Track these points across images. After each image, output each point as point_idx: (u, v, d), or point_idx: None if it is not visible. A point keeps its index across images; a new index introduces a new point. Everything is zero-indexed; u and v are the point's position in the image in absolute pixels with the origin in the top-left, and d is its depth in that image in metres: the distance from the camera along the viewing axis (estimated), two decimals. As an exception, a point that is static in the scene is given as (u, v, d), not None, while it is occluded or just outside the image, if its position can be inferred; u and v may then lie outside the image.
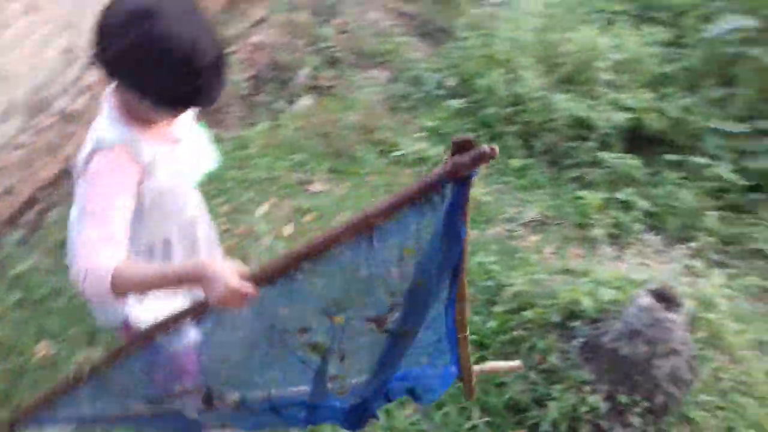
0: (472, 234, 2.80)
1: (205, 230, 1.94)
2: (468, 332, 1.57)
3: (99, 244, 1.36)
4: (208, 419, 1.63)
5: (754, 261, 3.21)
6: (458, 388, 2.11)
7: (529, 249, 3.14)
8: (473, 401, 2.33)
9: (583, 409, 2.26)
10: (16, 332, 2.73)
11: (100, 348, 2.64)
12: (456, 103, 4.16)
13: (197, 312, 1.37)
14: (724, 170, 3.52)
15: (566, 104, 3.79)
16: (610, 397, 2.29)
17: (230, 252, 2.72)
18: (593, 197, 3.43)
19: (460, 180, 1.18)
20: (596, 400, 2.28)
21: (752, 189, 3.50)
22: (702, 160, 3.57)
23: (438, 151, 3.79)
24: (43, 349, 2.66)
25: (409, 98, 4.32)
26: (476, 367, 1.74)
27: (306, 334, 1.44)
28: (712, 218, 3.33)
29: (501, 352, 2.48)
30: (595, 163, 3.67)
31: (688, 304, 2.34)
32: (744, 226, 3.34)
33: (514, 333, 2.53)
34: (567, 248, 3.18)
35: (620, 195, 3.49)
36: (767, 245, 3.24)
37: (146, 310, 1.64)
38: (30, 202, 3.43)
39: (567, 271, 2.83)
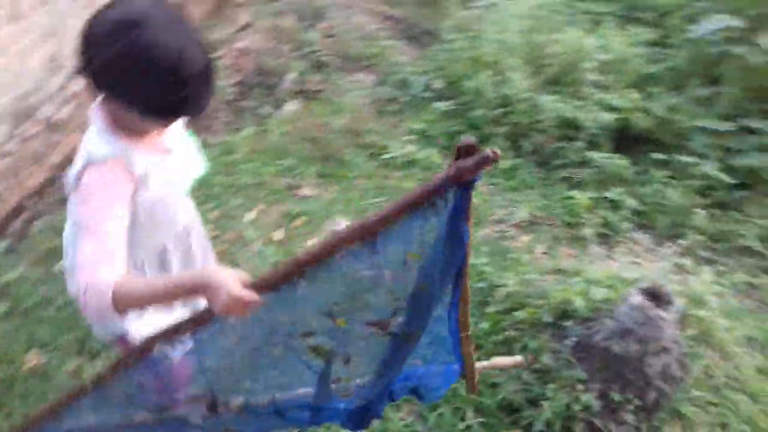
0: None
1: (200, 238, 1.93)
2: (470, 331, 1.58)
3: (98, 260, 1.34)
4: (212, 425, 1.62)
5: (741, 258, 3.24)
6: (452, 389, 2.11)
7: (521, 249, 3.14)
8: (467, 402, 2.34)
9: (577, 407, 2.26)
10: (6, 342, 2.71)
11: (90, 357, 2.62)
12: (443, 105, 4.16)
13: (201, 321, 1.36)
14: (711, 168, 3.55)
15: (554, 105, 3.80)
16: (603, 396, 2.30)
17: (220, 258, 2.71)
18: (582, 197, 3.45)
19: (463, 184, 1.18)
20: (589, 398, 2.28)
21: (738, 186, 3.53)
22: (689, 159, 3.60)
23: (427, 154, 3.79)
24: (33, 358, 2.64)
25: (396, 101, 4.33)
26: (479, 364, 1.74)
27: (309, 338, 1.43)
28: (700, 216, 3.35)
29: (494, 352, 2.47)
30: (584, 163, 3.69)
31: (679, 302, 2.35)
32: (731, 223, 3.37)
33: (507, 333, 2.52)
34: (558, 248, 3.19)
35: (609, 194, 3.51)
36: (754, 242, 3.26)
37: (146, 324, 1.63)
38: (16, 211, 3.40)
39: (558, 271, 2.83)
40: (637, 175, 3.66)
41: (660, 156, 3.67)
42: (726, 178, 3.49)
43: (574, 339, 2.44)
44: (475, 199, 3.58)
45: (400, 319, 1.41)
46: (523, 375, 2.37)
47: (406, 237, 1.25)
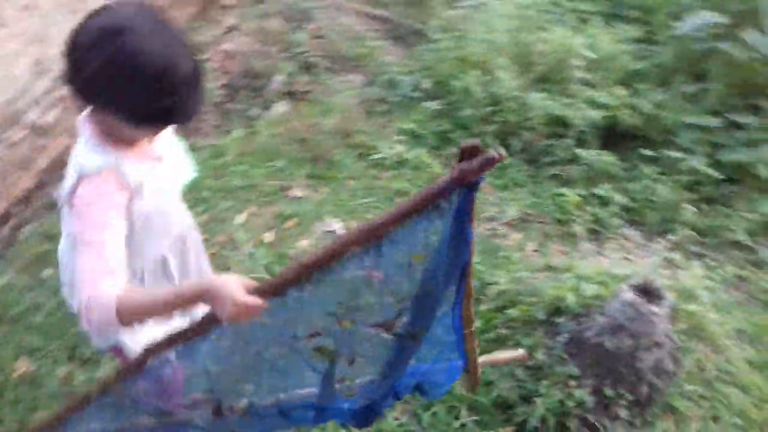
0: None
1: (196, 243, 1.92)
2: (474, 327, 1.58)
3: (98, 274, 1.33)
4: (216, 428, 1.61)
5: (730, 251, 3.26)
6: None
7: (512, 247, 3.15)
8: (461, 400, 2.34)
9: (570, 404, 2.27)
10: (-5, 349, 2.69)
11: (81, 363, 2.61)
12: (432, 105, 4.16)
13: (207, 327, 1.35)
14: (699, 164, 3.57)
15: (542, 103, 3.81)
16: (596, 391, 2.30)
17: (211, 262, 2.69)
18: (572, 194, 3.46)
19: (467, 186, 1.18)
20: (583, 394, 2.29)
21: (726, 181, 3.55)
22: (677, 155, 3.62)
23: (416, 154, 3.79)
24: (23, 365, 2.62)
25: (384, 101, 4.32)
26: (481, 359, 1.75)
27: (314, 339, 1.43)
28: (688, 211, 3.37)
29: (486, 350, 2.45)
30: (573, 161, 3.69)
31: (669, 297, 2.36)
32: (720, 217, 3.39)
33: (499, 331, 2.53)
34: (549, 245, 3.20)
35: (598, 191, 3.52)
36: (743, 236, 3.28)
37: (142, 332, 1.62)
38: (4, 218, 3.37)
39: (549, 268, 2.84)
40: (625, 171, 3.67)
41: (648, 152, 3.69)
42: (714, 173, 3.52)
43: (567, 335, 2.44)
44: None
45: (404, 319, 1.42)
46: (517, 372, 2.38)
47: (411, 239, 1.25)
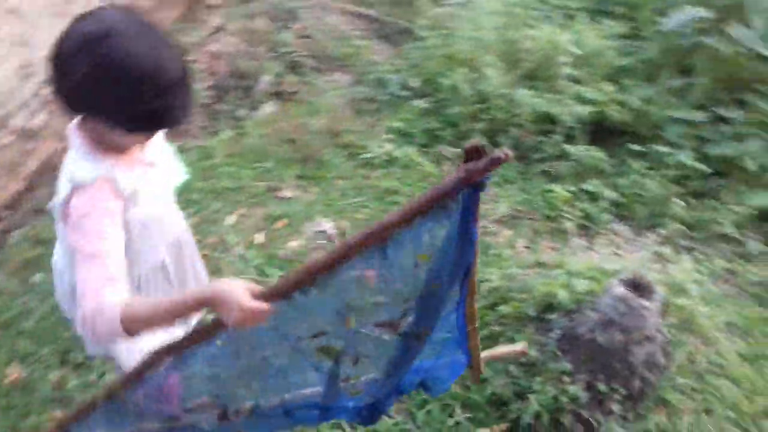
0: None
1: (192, 248, 1.92)
2: (477, 323, 1.59)
3: (101, 284, 1.32)
4: (222, 431, 1.61)
5: (719, 245, 3.28)
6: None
7: (503, 244, 3.16)
8: (455, 398, 2.35)
9: (564, 399, 2.28)
10: (-15, 356, 2.67)
11: (73, 368, 2.59)
12: (420, 103, 4.17)
13: (212, 333, 1.35)
14: (686, 158, 3.59)
15: (530, 100, 3.82)
16: (589, 387, 2.31)
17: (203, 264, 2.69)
18: (561, 190, 3.48)
19: (473, 185, 1.19)
20: (576, 390, 2.29)
21: (714, 175, 3.58)
22: (664, 149, 3.64)
23: (405, 152, 3.79)
24: (14, 371, 2.60)
25: (373, 100, 4.32)
26: (483, 354, 1.76)
27: (319, 339, 1.43)
28: (677, 205, 3.39)
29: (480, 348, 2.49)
30: (562, 157, 3.71)
31: (660, 291, 2.38)
32: (708, 211, 3.41)
33: (492, 328, 2.54)
34: (539, 242, 3.22)
35: (587, 186, 3.54)
36: (731, 229, 3.30)
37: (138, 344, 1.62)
38: (-8, 223, 3.35)
39: (540, 265, 2.85)
40: (614, 166, 3.69)
41: (636, 147, 3.71)
42: (701, 167, 3.54)
43: (559, 331, 2.45)
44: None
45: (409, 319, 1.42)
46: (511, 369, 2.39)
47: (417, 239, 1.25)
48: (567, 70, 3.97)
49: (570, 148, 3.69)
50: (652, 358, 2.34)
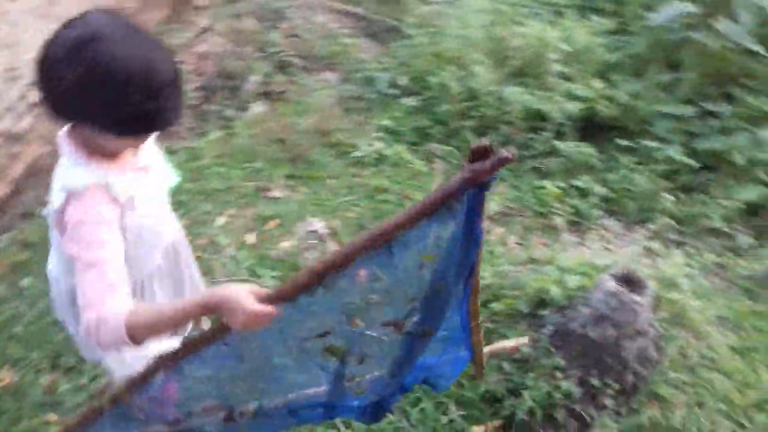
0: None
1: (186, 249, 1.90)
2: (480, 319, 1.61)
3: (103, 293, 1.31)
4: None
5: (709, 239, 3.30)
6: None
7: (494, 241, 3.16)
8: (449, 396, 2.35)
9: (557, 395, 2.28)
10: (-25, 361, 2.64)
11: (64, 372, 2.57)
12: (409, 101, 4.16)
13: (217, 335, 1.34)
14: (675, 153, 3.61)
15: (520, 97, 3.83)
16: (582, 382, 2.32)
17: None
18: (552, 186, 3.48)
19: (478, 185, 1.19)
20: (569, 385, 2.30)
21: (703, 169, 3.60)
22: (653, 144, 3.66)
23: (395, 151, 3.79)
24: (5, 376, 2.58)
25: (362, 99, 4.31)
26: (486, 349, 1.76)
27: (324, 338, 1.43)
28: (667, 200, 3.41)
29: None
30: (552, 153, 3.72)
31: (651, 285, 2.39)
32: (697, 205, 3.43)
33: (485, 325, 2.53)
34: (530, 238, 3.22)
35: (578, 182, 3.55)
36: (720, 223, 3.32)
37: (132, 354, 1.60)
38: (-21, 227, 3.32)
39: (532, 261, 2.86)
40: (603, 162, 3.70)
41: (625, 142, 3.73)
42: (690, 162, 3.56)
43: (552, 327, 2.46)
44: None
45: (414, 319, 1.42)
46: (504, 365, 2.39)
47: (422, 240, 1.25)
48: (556, 67, 3.98)
49: (560, 145, 3.70)
50: (645, 353, 2.34)
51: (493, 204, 3.42)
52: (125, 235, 1.47)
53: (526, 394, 2.30)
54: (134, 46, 1.29)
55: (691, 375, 2.43)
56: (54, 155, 1.55)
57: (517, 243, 3.19)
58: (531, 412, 2.27)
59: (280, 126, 4.03)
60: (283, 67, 4.63)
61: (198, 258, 3.00)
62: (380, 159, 3.78)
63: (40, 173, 3.60)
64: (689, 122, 3.79)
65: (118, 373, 1.80)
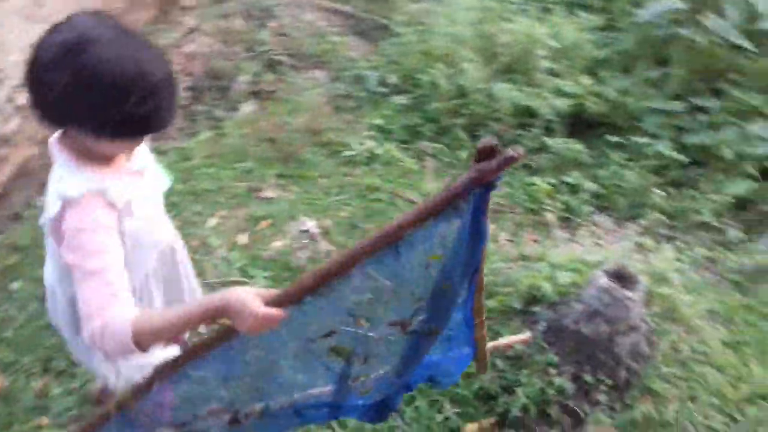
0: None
1: (184, 254, 1.90)
2: (484, 316, 1.61)
3: (106, 302, 1.29)
4: None
5: (699, 233, 3.32)
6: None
7: (485, 239, 3.16)
8: (443, 393, 2.35)
9: (551, 391, 2.29)
10: (-34, 367, 2.62)
11: (56, 375, 2.56)
12: (399, 99, 4.16)
13: (223, 338, 1.33)
14: (665, 148, 3.63)
15: (509, 94, 3.83)
16: (575, 378, 2.33)
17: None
18: (542, 183, 3.49)
19: (484, 185, 1.19)
20: (563, 382, 2.31)
21: (692, 164, 3.62)
22: (643, 140, 3.67)
23: (386, 149, 3.78)
24: (-4, 381, 2.57)
25: (352, 97, 4.30)
26: (490, 344, 1.77)
27: (329, 338, 1.42)
28: (657, 195, 3.42)
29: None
30: (542, 150, 3.73)
31: (643, 281, 2.40)
32: (687, 200, 3.45)
33: (478, 323, 2.54)
34: (522, 234, 3.23)
35: (568, 179, 3.56)
36: (710, 217, 3.34)
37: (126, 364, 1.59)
38: (-33, 231, 3.29)
39: (524, 257, 2.87)
40: (593, 158, 3.72)
41: (615, 138, 3.74)
42: (679, 157, 3.58)
43: (545, 324, 2.46)
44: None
45: (420, 318, 1.42)
46: (498, 363, 2.39)
47: (428, 240, 1.25)
48: (545, 64, 3.99)
49: (549, 141, 3.71)
50: (637, 348, 2.36)
51: (484, 201, 3.42)
52: (123, 240, 1.45)
53: (519, 390, 2.31)
54: (122, 47, 1.27)
55: (684, 369, 2.45)
56: (42, 157, 1.54)
57: (509, 240, 3.19)
58: (525, 409, 2.28)
59: (270, 125, 4.01)
60: (272, 66, 4.61)
61: (191, 260, 3.01)
62: (371, 158, 3.77)
63: (28, 175, 3.57)
64: (678, 117, 3.81)
65: (113, 381, 1.79)
